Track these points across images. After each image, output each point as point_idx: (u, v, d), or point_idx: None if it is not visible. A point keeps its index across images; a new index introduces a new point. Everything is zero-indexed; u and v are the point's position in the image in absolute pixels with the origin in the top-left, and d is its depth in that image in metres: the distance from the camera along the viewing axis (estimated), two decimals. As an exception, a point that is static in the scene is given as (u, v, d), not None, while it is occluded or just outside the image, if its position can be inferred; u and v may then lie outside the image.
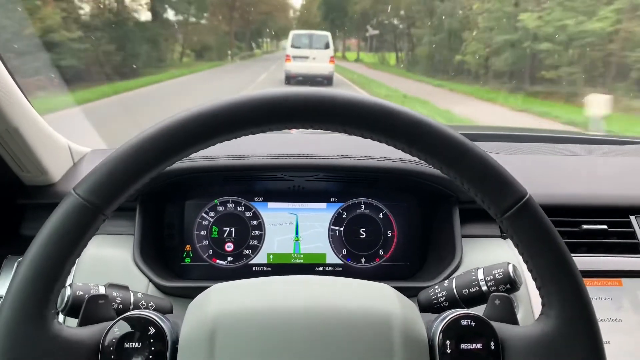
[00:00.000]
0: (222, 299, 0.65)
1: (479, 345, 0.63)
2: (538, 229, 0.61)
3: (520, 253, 0.62)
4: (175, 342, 0.63)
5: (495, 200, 0.61)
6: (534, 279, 0.62)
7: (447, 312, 0.67)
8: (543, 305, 0.63)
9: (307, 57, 17.07)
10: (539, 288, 0.62)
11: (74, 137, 1.27)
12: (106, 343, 0.61)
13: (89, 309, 0.66)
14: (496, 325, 0.65)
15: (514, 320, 0.68)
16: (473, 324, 0.64)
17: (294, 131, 1.54)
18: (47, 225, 0.58)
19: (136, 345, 0.61)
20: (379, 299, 0.67)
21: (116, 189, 0.59)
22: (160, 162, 0.60)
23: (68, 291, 0.73)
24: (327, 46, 17.79)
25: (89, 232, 0.59)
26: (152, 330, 0.62)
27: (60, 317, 0.93)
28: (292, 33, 18.48)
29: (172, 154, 0.60)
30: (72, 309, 0.73)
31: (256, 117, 0.60)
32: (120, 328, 0.62)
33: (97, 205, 0.58)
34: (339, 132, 0.62)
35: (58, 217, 0.58)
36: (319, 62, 17.09)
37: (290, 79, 16.93)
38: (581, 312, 0.61)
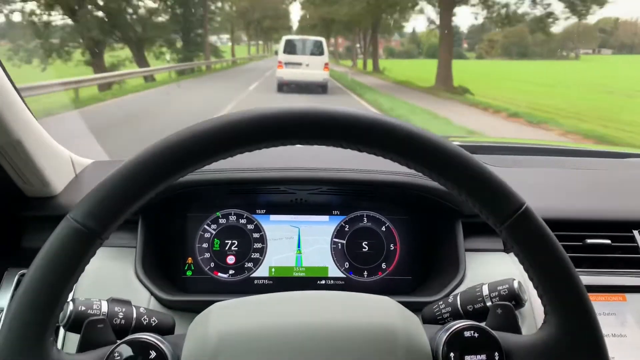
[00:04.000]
0: (222, 319, 0.65)
1: (483, 357, 0.64)
2: (537, 238, 0.61)
3: (521, 262, 0.63)
4: None
5: (493, 210, 0.62)
6: (535, 287, 0.63)
7: (451, 324, 0.67)
8: (545, 313, 0.63)
9: (300, 64, 16.94)
10: (540, 296, 0.63)
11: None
12: None
13: (87, 334, 0.66)
14: (499, 335, 0.65)
15: (516, 330, 0.69)
16: (476, 335, 0.65)
17: None
18: (44, 252, 0.58)
19: None
20: (381, 312, 0.67)
21: (113, 213, 0.58)
22: (158, 183, 0.59)
23: (70, 307, 0.72)
24: (321, 52, 17.63)
25: (86, 257, 0.59)
26: (153, 354, 0.62)
27: (61, 331, 0.92)
28: (284, 39, 18.32)
29: (169, 174, 0.59)
30: (74, 324, 0.72)
31: (254, 135, 0.59)
32: (120, 353, 0.61)
33: (94, 230, 0.58)
34: (335, 147, 0.62)
35: (54, 244, 0.57)
36: (312, 69, 16.87)
37: (282, 87, 16.82)
38: (583, 318, 0.61)
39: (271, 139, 0.60)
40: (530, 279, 0.62)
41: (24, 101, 1.03)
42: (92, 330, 0.66)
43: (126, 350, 0.61)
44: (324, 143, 0.61)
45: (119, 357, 0.61)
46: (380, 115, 0.61)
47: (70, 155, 1.22)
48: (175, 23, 27.33)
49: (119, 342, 0.62)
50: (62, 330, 0.93)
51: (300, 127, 0.60)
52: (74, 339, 0.67)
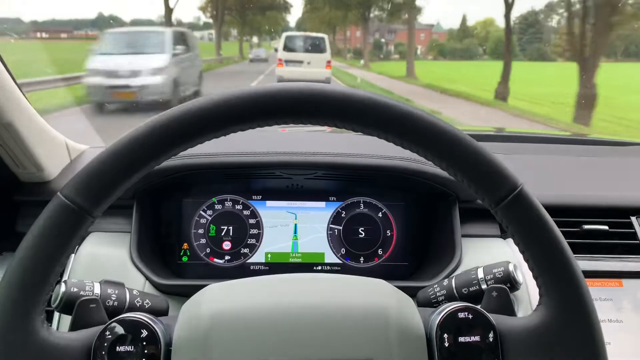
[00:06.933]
0: (215, 300, 0.65)
1: (477, 338, 0.63)
2: (533, 219, 0.60)
3: (516, 243, 0.62)
4: (169, 344, 0.62)
5: (489, 191, 0.61)
6: (531, 269, 0.62)
7: (444, 306, 0.67)
8: (540, 295, 0.62)
9: (301, 62, 16.64)
10: (535, 278, 0.62)
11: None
12: (98, 347, 0.60)
13: (79, 314, 0.66)
14: (494, 317, 0.65)
15: (511, 312, 0.69)
16: (470, 316, 0.65)
17: (286, 128, 1.53)
18: (34, 229, 0.57)
19: (129, 348, 0.61)
20: (375, 294, 0.67)
21: (103, 191, 0.58)
22: (148, 161, 0.59)
23: (62, 288, 0.72)
24: (323, 49, 17.25)
25: (77, 235, 0.58)
26: (144, 333, 0.62)
27: (56, 315, 0.92)
28: (284, 35, 17.93)
29: (160, 153, 0.59)
30: (66, 306, 0.72)
31: (247, 114, 0.58)
32: (112, 331, 0.61)
33: (84, 207, 0.57)
34: (330, 126, 0.62)
35: (44, 221, 0.57)
36: (314, 67, 16.33)
37: None
38: (578, 300, 0.60)
39: (265, 117, 0.59)
40: (526, 260, 0.62)
41: (17, 85, 1.02)
42: (84, 310, 0.66)
43: (118, 329, 0.61)
44: (318, 122, 0.60)
45: (110, 336, 0.60)
46: (375, 94, 0.60)
47: (65, 141, 1.22)
48: None
49: (110, 321, 0.62)
50: (56, 314, 0.93)
51: (294, 105, 0.59)
52: (68, 322, 0.67)
